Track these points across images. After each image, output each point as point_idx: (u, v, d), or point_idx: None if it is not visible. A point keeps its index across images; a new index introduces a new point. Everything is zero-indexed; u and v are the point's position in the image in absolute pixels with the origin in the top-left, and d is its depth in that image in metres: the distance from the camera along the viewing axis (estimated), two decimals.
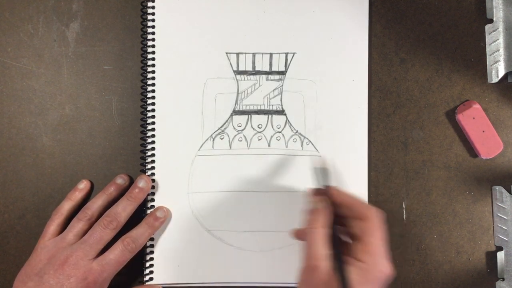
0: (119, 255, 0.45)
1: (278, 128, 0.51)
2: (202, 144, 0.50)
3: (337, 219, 0.41)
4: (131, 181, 0.50)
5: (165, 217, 0.49)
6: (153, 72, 0.50)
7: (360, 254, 0.39)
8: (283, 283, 0.50)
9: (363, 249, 0.39)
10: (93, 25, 0.51)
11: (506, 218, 0.51)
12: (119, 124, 0.51)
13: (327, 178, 0.43)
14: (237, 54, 0.51)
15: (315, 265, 0.38)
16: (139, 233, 0.46)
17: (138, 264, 0.49)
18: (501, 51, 0.51)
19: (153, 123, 0.50)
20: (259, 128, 0.51)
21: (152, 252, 0.49)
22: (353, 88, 0.51)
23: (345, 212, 0.41)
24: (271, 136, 0.51)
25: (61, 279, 0.43)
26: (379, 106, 0.52)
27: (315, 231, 0.39)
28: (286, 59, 0.51)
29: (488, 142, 0.50)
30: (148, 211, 0.49)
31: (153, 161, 0.50)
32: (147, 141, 0.50)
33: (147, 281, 0.49)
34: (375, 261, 0.38)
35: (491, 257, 0.51)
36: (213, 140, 0.51)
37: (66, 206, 0.48)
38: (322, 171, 0.43)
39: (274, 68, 0.51)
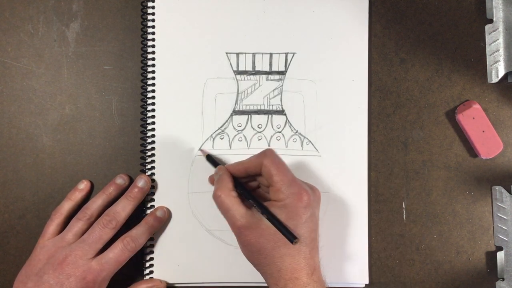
0: (118, 254, 0.45)
1: (278, 128, 0.51)
2: (202, 144, 0.50)
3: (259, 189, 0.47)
4: (131, 181, 0.50)
5: (165, 217, 0.49)
6: (153, 72, 0.50)
7: (274, 196, 0.42)
8: None
9: (273, 191, 0.42)
10: (93, 25, 0.51)
11: (506, 218, 0.51)
12: (119, 124, 0.51)
13: (215, 160, 0.49)
14: (237, 54, 0.51)
15: (238, 227, 0.41)
16: (139, 233, 0.46)
17: (138, 263, 0.49)
18: (501, 51, 0.51)
19: (153, 123, 0.50)
20: (259, 128, 0.51)
21: (152, 252, 0.49)
22: (353, 88, 0.51)
23: (252, 174, 0.45)
24: (271, 136, 0.51)
25: (61, 279, 0.43)
26: (379, 106, 0.52)
27: (224, 198, 0.42)
28: (286, 59, 0.51)
29: (488, 142, 0.50)
30: (148, 211, 0.49)
31: (153, 161, 0.50)
32: (147, 141, 0.50)
33: None
34: (288, 195, 0.41)
35: (491, 257, 0.51)
36: (213, 140, 0.51)
37: (66, 206, 0.48)
38: (209, 158, 0.49)
39: (274, 68, 0.51)
